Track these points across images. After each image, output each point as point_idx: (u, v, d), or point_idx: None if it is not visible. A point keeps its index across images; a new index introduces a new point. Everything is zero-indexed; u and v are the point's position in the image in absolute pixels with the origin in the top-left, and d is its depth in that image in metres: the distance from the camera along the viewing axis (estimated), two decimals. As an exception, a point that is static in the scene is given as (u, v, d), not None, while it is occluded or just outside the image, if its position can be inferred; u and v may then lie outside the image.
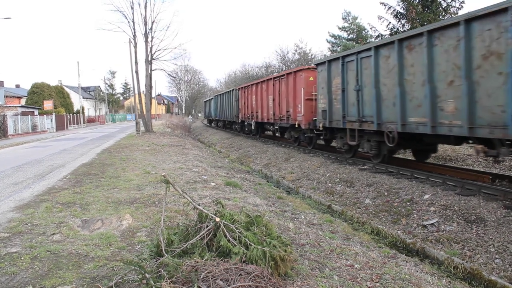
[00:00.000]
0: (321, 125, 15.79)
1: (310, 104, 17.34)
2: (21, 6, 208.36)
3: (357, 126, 13.17)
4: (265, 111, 23.98)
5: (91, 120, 69.92)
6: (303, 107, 17.56)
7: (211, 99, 50.04)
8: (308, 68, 18.11)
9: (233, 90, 33.68)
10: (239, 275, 3.72)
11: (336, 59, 14.65)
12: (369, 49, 12.52)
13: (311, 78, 17.41)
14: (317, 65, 16.69)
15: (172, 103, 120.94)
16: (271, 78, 23.14)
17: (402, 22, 23.60)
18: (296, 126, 18.46)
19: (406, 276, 4.99)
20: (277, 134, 25.05)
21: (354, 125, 13.40)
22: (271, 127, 24.20)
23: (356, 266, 5.09)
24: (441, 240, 7.40)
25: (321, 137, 17.34)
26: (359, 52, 13.18)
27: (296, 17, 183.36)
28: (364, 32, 37.34)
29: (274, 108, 21.89)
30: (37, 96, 52.35)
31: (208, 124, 57.89)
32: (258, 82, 25.96)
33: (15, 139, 32.05)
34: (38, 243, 5.51)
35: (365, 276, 4.73)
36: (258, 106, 25.39)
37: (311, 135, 17.68)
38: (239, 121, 31.26)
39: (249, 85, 28.43)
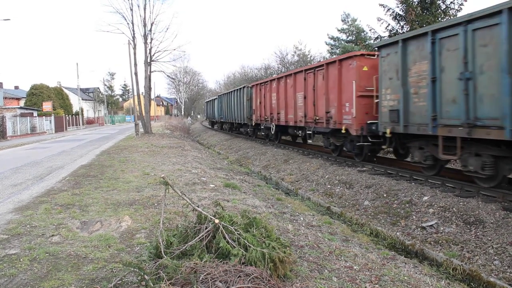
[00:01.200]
0: (388, 131, 11.76)
1: (364, 103, 13.30)
2: (20, 7, 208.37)
3: (464, 133, 8.94)
4: (291, 112, 19.50)
5: (90, 122, 69.85)
6: (355, 107, 13.32)
7: (214, 99, 45.49)
8: (362, 55, 13.77)
9: (244, 87, 29.28)
10: (238, 277, 3.72)
11: (419, 36, 10.45)
12: (496, 13, 8.03)
13: (365, 68, 13.43)
14: (380, 47, 12.50)
15: (171, 105, 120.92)
16: (301, 71, 18.45)
17: (401, 24, 23.64)
18: (343, 131, 14.04)
19: (405, 277, 5.00)
20: (309, 141, 19.32)
21: (456, 132, 9.22)
22: (300, 131, 19.22)
23: (355, 267, 5.10)
24: (440, 241, 7.41)
25: (383, 147, 13.38)
26: (469, 22, 8.72)
27: (295, 19, 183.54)
28: (363, 34, 37.33)
29: (306, 109, 17.55)
30: (36, 97, 52.31)
31: (210, 127, 53.88)
32: (281, 77, 21.39)
33: (14, 140, 32.03)
34: (37, 245, 5.50)
35: (364, 278, 4.73)
36: (281, 106, 20.95)
37: (364, 143, 13.45)
38: (252, 123, 27.25)
39: (267, 81, 24.03)
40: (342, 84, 14.37)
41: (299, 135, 19.88)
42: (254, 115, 26.53)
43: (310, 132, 17.24)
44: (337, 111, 14.61)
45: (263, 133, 25.81)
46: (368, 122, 13.05)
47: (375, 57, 13.36)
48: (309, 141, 19.93)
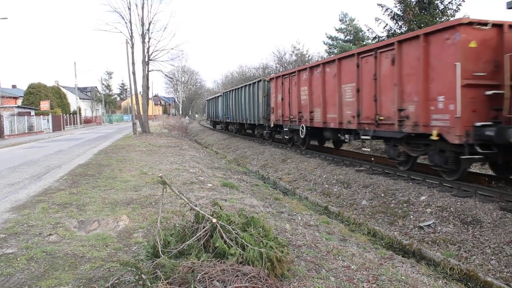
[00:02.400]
0: None
1: (472, 96, 9.12)
2: (17, 6, 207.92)
3: None
4: (332, 110, 15.05)
5: (87, 121, 69.73)
6: (460, 101, 9.04)
7: (218, 96, 40.74)
8: (470, 24, 9.14)
9: (259, 81, 24.62)
10: (235, 276, 3.72)
11: None
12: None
13: (473, 44, 9.11)
14: None
15: (169, 104, 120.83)
16: (351, 55, 13.69)
17: (399, 23, 23.68)
18: (433, 137, 9.83)
19: (403, 277, 5.01)
20: (365, 148, 15.01)
21: None
22: (347, 136, 14.58)
23: (352, 267, 5.10)
24: (437, 241, 7.42)
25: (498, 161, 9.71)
26: None
27: (293, 19, 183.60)
28: (361, 33, 37.41)
29: (359, 105, 13.12)
30: (33, 96, 52.23)
31: (212, 127, 48.75)
32: (316, 65, 16.60)
33: (11, 139, 31.95)
34: (34, 244, 5.49)
35: (361, 277, 4.74)
36: (316, 103, 16.34)
37: (469, 155, 9.24)
38: (270, 125, 22.32)
39: (293, 72, 19.04)
40: (431, 69, 10.08)
41: (345, 140, 14.92)
42: (273, 115, 21.63)
43: (368, 136, 12.72)
44: (420, 109, 10.33)
45: (286, 137, 20.45)
46: (477, 124, 9.01)
47: (488, 27, 9.15)
48: (365, 148, 15.20)
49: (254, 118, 25.58)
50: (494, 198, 8.44)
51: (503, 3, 8.52)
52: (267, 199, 10.57)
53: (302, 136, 17.90)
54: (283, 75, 20.34)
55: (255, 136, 28.08)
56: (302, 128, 17.71)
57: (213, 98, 45.82)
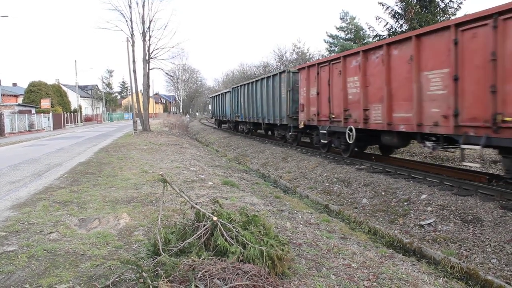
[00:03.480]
0: None
1: None
2: (18, 4, 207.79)
3: None
4: (401, 108, 11.29)
5: (88, 119, 69.74)
6: None
7: (225, 92, 36.69)
8: None
9: (282, 73, 20.52)
10: (236, 274, 3.72)
11: None
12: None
13: None
14: None
15: (170, 102, 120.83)
16: (441, 29, 9.71)
17: (400, 22, 23.61)
18: None
19: (403, 275, 5.00)
20: (469, 163, 11.62)
21: None
22: (429, 143, 10.66)
23: (353, 265, 5.10)
24: (438, 240, 7.42)
25: None
26: None
27: (294, 17, 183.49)
28: (362, 32, 37.33)
29: (458, 100, 9.15)
30: (34, 94, 52.28)
31: (217, 127, 44.69)
32: (374, 48, 12.60)
33: (12, 137, 31.96)
34: (35, 242, 5.50)
35: (362, 276, 4.74)
36: (373, 98, 12.54)
37: None
38: (299, 125, 18.13)
39: (335, 59, 14.88)
40: None
41: (427, 148, 10.83)
42: (303, 113, 17.50)
43: (478, 145, 8.73)
44: None
45: (323, 141, 16.04)
46: None
47: None
48: (470, 166, 11.62)
49: (275, 117, 21.58)
50: (495, 197, 8.44)
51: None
52: (267, 198, 10.58)
53: (350, 141, 13.68)
54: (320, 64, 16.00)
55: (273, 139, 24.71)
56: (350, 130, 13.52)
57: (219, 94, 40.84)
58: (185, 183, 10.12)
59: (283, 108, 20.06)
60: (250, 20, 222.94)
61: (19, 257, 4.94)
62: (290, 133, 19.92)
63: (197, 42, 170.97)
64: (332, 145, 15.83)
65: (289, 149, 19.84)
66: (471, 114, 8.88)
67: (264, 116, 23.73)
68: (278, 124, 21.56)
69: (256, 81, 25.41)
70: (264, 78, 23.88)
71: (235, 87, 31.83)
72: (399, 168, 12.11)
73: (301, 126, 17.81)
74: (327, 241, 6.26)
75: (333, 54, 32.50)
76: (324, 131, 15.56)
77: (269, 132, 27.59)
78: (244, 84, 28.40)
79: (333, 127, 15.07)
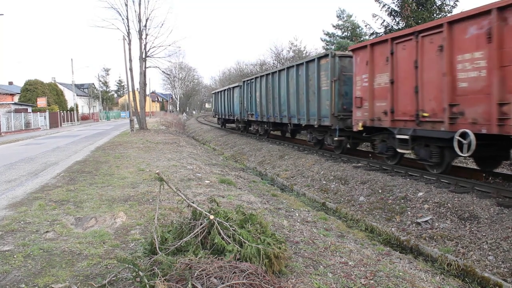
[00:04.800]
0: None
1: None
2: (13, 2, 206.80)
3: None
4: None
5: (85, 118, 69.56)
6: None
7: (233, 86, 31.29)
8: None
9: (323, 57, 15.46)
10: (233, 273, 3.71)
11: None
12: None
13: None
14: None
15: (167, 101, 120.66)
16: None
17: (397, 20, 23.65)
18: None
19: (400, 273, 5.01)
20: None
21: None
22: None
23: (350, 263, 5.10)
24: (435, 237, 7.43)
25: None
26: None
27: (290, 15, 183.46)
28: (358, 30, 37.33)
29: None
30: (30, 93, 52.06)
31: (220, 126, 39.65)
32: None
33: (8, 136, 31.85)
34: (31, 241, 5.47)
35: (359, 273, 4.74)
36: None
37: None
38: (354, 127, 13.37)
39: (430, 28, 10.01)
40: None
41: None
42: (361, 110, 12.78)
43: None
44: None
45: (401, 150, 11.41)
46: None
47: None
48: None
49: (309, 116, 16.64)
50: (491, 194, 8.46)
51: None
52: (264, 196, 10.57)
53: (463, 153, 8.92)
54: (394, 39, 11.14)
55: (300, 142, 20.77)
56: (464, 137, 8.90)
57: (224, 90, 35.36)
58: (182, 182, 10.10)
59: (324, 105, 15.22)
60: (247, 18, 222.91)
61: (15, 256, 4.92)
62: (335, 138, 14.72)
63: (193, 40, 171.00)
64: (418, 156, 11.10)
65: (286, 147, 19.82)
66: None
67: (291, 114, 18.73)
68: (316, 126, 15.94)
69: (280, 71, 20.21)
70: (291, 67, 18.77)
71: (247, 80, 26.65)
72: (396, 166, 12.12)
73: (358, 128, 12.87)
74: (324, 239, 6.26)
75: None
76: (405, 136, 10.87)
77: (283, 133, 24.52)
78: (261, 76, 23.26)
79: (422, 131, 10.45)
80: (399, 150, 11.51)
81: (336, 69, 14.52)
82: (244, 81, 27.52)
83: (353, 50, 13.42)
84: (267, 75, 22.26)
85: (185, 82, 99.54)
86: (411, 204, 9.01)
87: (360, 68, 12.88)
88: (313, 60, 16.21)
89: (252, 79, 25.25)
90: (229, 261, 3.91)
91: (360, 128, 12.84)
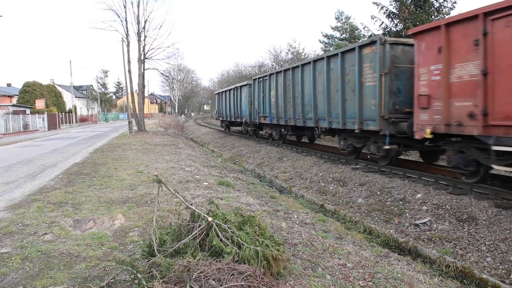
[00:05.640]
0: None
1: None
2: (12, 4, 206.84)
3: None
4: None
5: (83, 119, 69.46)
6: None
7: (241, 86, 28.20)
8: None
9: (365, 46, 12.43)
10: (231, 275, 3.71)
11: None
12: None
13: None
14: None
15: (165, 102, 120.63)
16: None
17: (395, 21, 23.70)
18: None
19: (399, 275, 5.01)
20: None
21: None
22: None
23: (348, 265, 5.10)
24: (433, 239, 7.44)
25: None
26: None
27: (289, 17, 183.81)
28: (357, 31, 37.39)
29: None
30: (28, 95, 52.02)
31: (224, 129, 36.62)
32: None
33: (6, 138, 31.79)
34: (29, 243, 5.46)
35: (357, 275, 4.74)
36: None
37: None
38: (421, 134, 10.03)
39: None
40: None
41: None
42: (426, 113, 9.94)
43: None
44: None
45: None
46: None
47: None
48: None
49: (346, 119, 13.61)
50: (489, 196, 8.47)
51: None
52: (263, 198, 10.57)
53: None
54: (490, 13, 8.05)
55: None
56: None
57: (229, 90, 32.00)
58: (180, 184, 10.10)
59: (368, 105, 12.24)
60: (246, 20, 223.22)
61: (13, 258, 4.91)
62: (385, 146, 11.57)
63: (192, 42, 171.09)
64: None
65: (285, 149, 19.81)
66: None
67: (319, 117, 15.66)
68: (356, 130, 12.86)
69: (304, 65, 16.99)
70: (319, 59, 15.67)
71: (258, 78, 23.61)
72: (394, 167, 12.12)
73: (424, 135, 9.90)
74: (322, 241, 6.27)
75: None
76: (508, 148, 7.84)
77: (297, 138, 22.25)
78: (278, 72, 20.15)
79: None
80: (495, 167, 8.64)
81: (386, 60, 11.50)
82: (255, 79, 24.49)
83: (415, 34, 10.31)
84: (285, 71, 19.16)
85: (183, 84, 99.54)
86: (409, 205, 9.02)
87: (427, 57, 9.87)
88: (351, 49, 13.18)
89: (266, 76, 22.25)
90: (227, 263, 3.91)
91: (428, 136, 9.70)
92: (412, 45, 10.77)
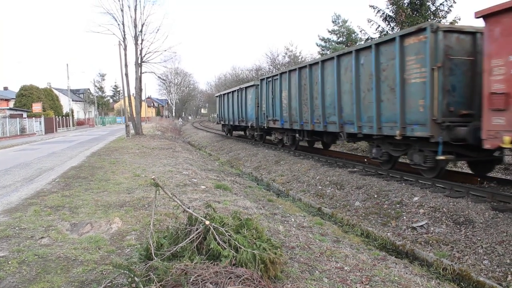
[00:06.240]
0: None
1: None
2: (9, 7, 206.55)
3: None
4: None
5: (80, 123, 69.37)
6: None
7: (247, 87, 26.23)
8: None
9: (409, 34, 10.27)
10: (228, 278, 3.71)
11: None
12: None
13: None
14: None
15: (162, 106, 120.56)
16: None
17: (392, 25, 23.75)
18: None
19: (396, 278, 5.02)
20: None
21: None
22: None
23: (346, 268, 5.11)
24: (430, 242, 7.45)
25: None
26: None
27: (286, 20, 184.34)
28: (353, 35, 37.55)
29: None
30: (25, 98, 51.86)
31: (226, 134, 34.62)
32: None
33: (3, 142, 31.69)
34: (26, 247, 5.45)
35: (355, 279, 4.75)
36: None
37: None
38: (493, 141, 8.01)
39: None
40: None
41: None
42: (503, 116, 7.83)
43: None
44: None
45: None
46: None
47: None
48: None
49: (382, 123, 11.60)
50: (486, 198, 8.50)
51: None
52: (260, 201, 10.57)
53: None
54: None
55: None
56: None
57: (233, 91, 29.60)
58: (178, 187, 10.09)
59: (415, 106, 10.24)
60: (243, 24, 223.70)
61: (9, 262, 4.89)
62: (438, 157, 9.66)
63: (189, 45, 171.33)
64: None
65: (282, 152, 19.80)
66: None
67: (344, 120, 13.68)
68: (397, 137, 10.82)
69: (324, 61, 15.04)
70: (344, 54, 13.62)
71: (267, 78, 21.53)
72: (391, 170, 12.14)
73: (499, 144, 7.91)
74: (320, 244, 6.27)
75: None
76: None
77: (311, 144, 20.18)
78: (291, 70, 18.09)
79: None
80: None
81: (439, 51, 9.47)
82: (262, 79, 22.34)
83: (485, 17, 8.10)
84: (300, 68, 17.00)
85: (180, 88, 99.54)
86: (406, 208, 9.04)
87: (503, 44, 7.79)
88: (389, 40, 11.14)
89: (276, 75, 20.15)
90: (224, 267, 3.91)
91: (508, 146, 7.75)
92: (468, 32, 9.52)
